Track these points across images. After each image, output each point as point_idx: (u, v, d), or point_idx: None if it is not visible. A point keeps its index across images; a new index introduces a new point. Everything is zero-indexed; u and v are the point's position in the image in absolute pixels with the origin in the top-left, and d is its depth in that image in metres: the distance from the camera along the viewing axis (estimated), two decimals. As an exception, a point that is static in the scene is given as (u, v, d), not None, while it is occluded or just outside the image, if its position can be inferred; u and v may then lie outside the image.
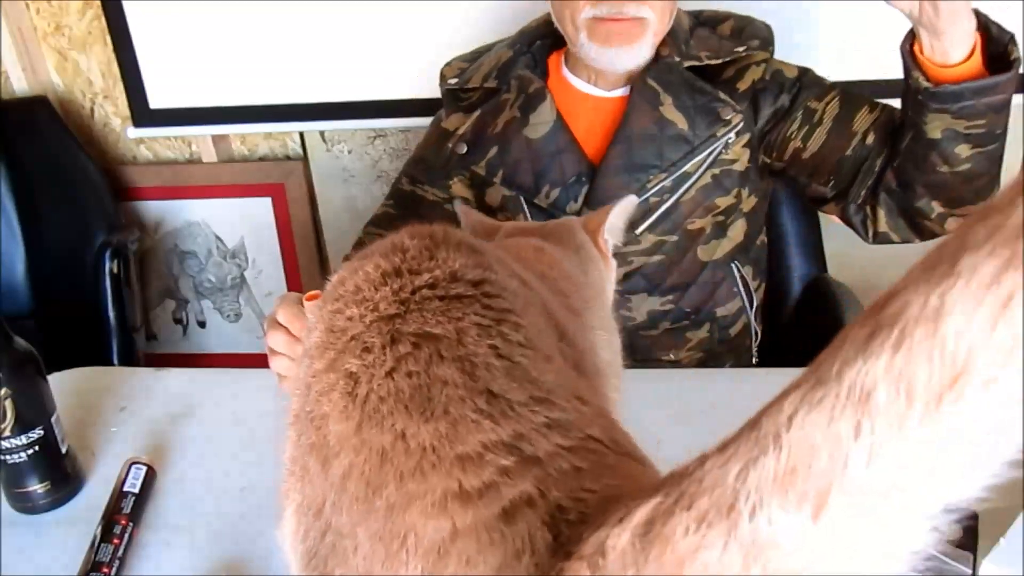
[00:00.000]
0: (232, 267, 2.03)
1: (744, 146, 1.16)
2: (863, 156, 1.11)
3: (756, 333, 1.26)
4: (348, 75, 1.76)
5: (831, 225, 1.84)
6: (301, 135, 1.91)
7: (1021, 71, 0.98)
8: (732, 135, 1.14)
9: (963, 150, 1.00)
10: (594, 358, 0.65)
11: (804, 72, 1.20)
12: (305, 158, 1.92)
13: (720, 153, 1.15)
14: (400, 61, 1.71)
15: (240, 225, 1.99)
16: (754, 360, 1.27)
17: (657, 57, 1.18)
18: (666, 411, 0.98)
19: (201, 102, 1.83)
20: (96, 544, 0.84)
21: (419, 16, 1.68)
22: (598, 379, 0.63)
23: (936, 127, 0.99)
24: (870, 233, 1.14)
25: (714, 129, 1.14)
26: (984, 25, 0.96)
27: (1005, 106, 0.98)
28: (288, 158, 1.94)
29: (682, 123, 1.14)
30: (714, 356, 1.21)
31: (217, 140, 1.92)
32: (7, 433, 0.87)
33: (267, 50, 1.76)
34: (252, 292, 2.04)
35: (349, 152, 1.90)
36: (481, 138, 1.21)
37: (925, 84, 0.98)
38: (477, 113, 1.23)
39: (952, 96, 0.96)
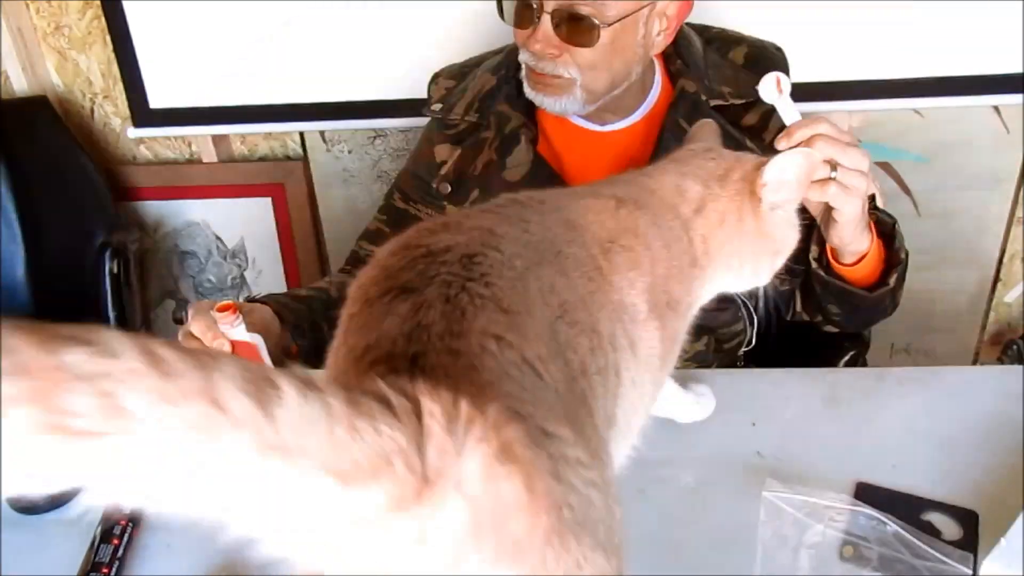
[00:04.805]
0: (232, 267, 2.03)
1: None
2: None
3: (751, 340, 1.24)
4: (348, 75, 1.76)
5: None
6: (301, 135, 1.90)
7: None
8: None
9: (832, 308, 1.13)
10: (606, 388, 0.64)
11: None
12: (305, 158, 1.92)
13: None
14: (400, 61, 1.71)
15: (240, 225, 1.99)
16: (739, 363, 1.25)
17: (682, 92, 1.15)
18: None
19: (201, 102, 1.83)
20: (96, 544, 0.84)
21: (419, 16, 1.68)
22: (587, 404, 0.62)
23: (817, 283, 1.11)
24: (790, 310, 1.22)
25: None
26: (890, 237, 1.06)
27: (870, 307, 1.10)
28: (288, 158, 1.94)
29: None
30: (705, 364, 1.20)
31: (217, 140, 1.91)
32: (7, 433, 0.87)
33: (267, 50, 1.76)
34: (252, 292, 2.04)
35: (349, 152, 1.90)
36: (463, 179, 1.19)
37: (815, 259, 1.08)
38: (459, 150, 1.21)
39: (822, 281, 1.08)
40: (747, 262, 0.82)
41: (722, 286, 0.83)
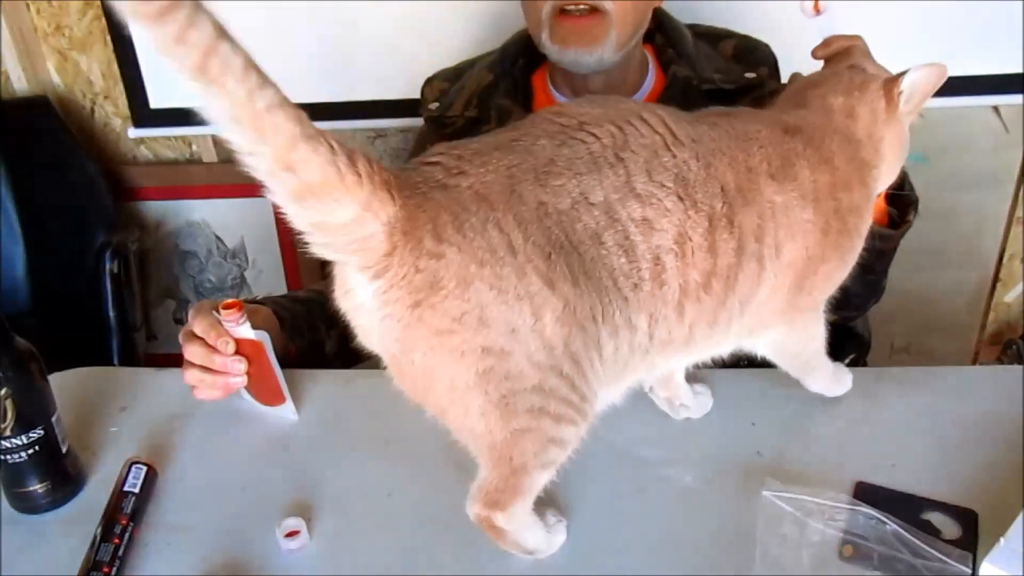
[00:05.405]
0: (232, 267, 2.03)
1: None
2: None
3: None
4: (348, 75, 1.76)
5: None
6: (301, 135, 1.90)
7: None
8: None
9: None
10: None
11: None
12: (305, 158, 1.92)
13: None
14: (400, 61, 1.71)
15: (240, 225, 1.99)
16: (740, 363, 1.25)
17: (674, 76, 1.17)
18: (665, 411, 0.98)
19: (201, 102, 1.83)
20: (96, 544, 0.84)
21: (418, 16, 1.68)
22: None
23: None
24: None
25: None
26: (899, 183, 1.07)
27: (884, 253, 1.09)
28: (288, 158, 1.94)
29: None
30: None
31: (217, 140, 1.91)
32: (8, 433, 0.87)
33: (267, 50, 1.75)
34: (252, 292, 2.04)
35: (349, 152, 1.90)
36: None
37: None
38: None
39: None
40: (895, 159, 0.89)
41: (884, 183, 0.90)
